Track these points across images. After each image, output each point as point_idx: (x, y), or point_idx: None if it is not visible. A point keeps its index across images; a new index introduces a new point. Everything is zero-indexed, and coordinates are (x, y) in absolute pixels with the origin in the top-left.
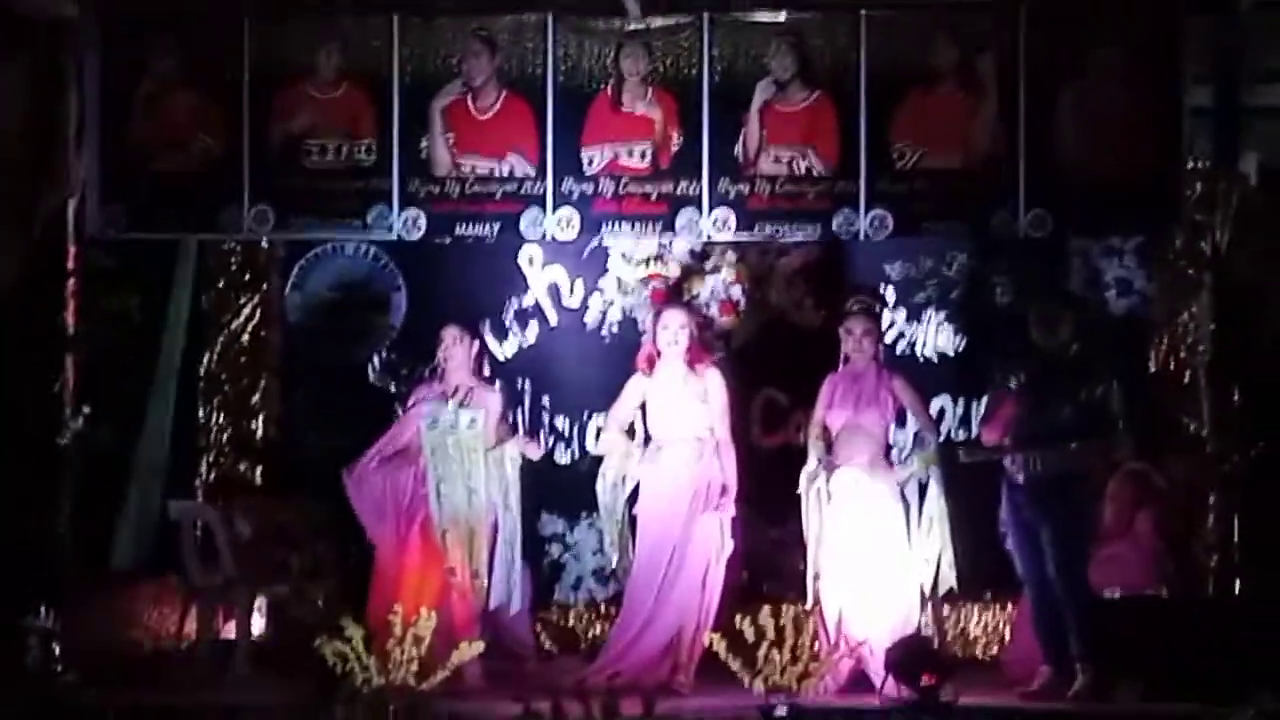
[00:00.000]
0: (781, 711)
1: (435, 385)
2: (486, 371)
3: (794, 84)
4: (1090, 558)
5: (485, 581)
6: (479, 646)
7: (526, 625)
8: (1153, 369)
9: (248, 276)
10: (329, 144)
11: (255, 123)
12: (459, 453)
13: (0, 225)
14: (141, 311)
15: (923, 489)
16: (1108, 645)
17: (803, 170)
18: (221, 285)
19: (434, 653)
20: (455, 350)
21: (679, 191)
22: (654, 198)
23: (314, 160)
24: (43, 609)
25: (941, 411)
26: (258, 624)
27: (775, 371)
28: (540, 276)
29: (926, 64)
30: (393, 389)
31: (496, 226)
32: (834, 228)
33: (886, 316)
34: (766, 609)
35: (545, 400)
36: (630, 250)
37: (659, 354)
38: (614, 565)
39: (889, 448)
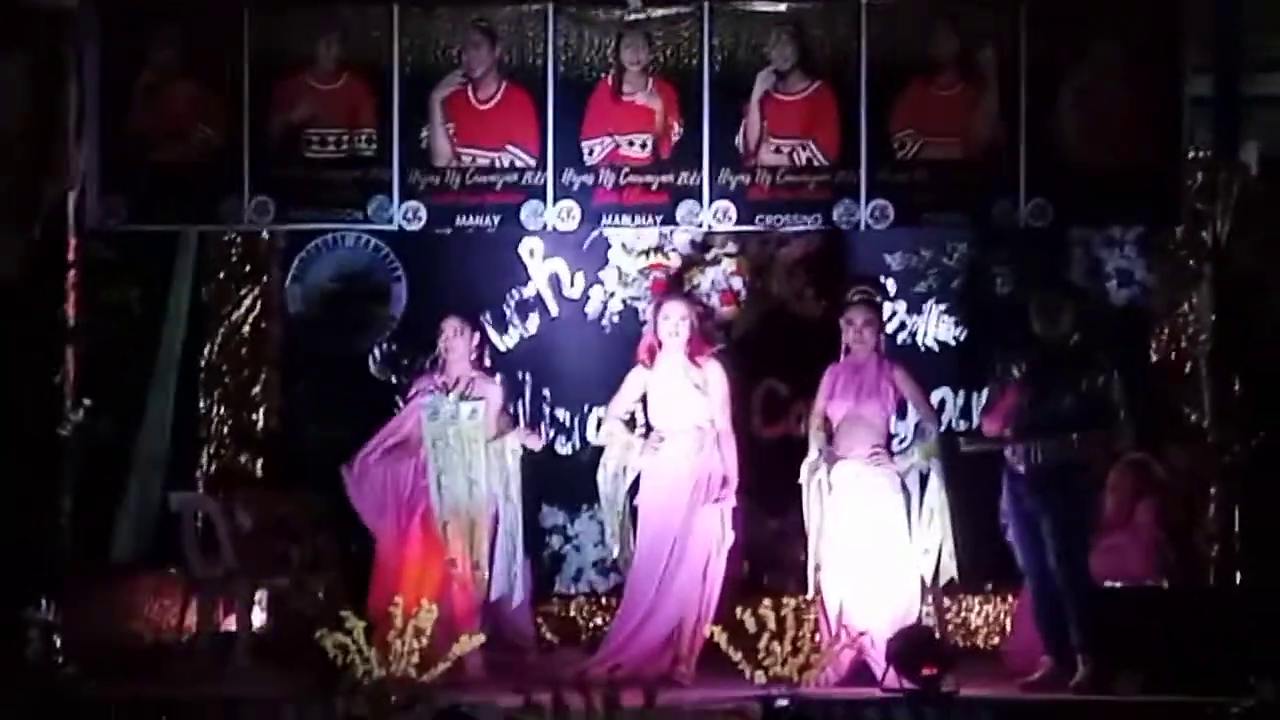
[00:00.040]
0: (783, 703)
1: (436, 377)
2: (487, 363)
3: (794, 74)
4: (1091, 548)
5: (486, 573)
6: (480, 638)
7: (527, 617)
8: (1153, 359)
9: (248, 268)
10: (329, 135)
11: (255, 114)
12: (460, 444)
13: (6, 209)
14: (142, 303)
15: (924, 480)
16: (1108, 636)
17: (803, 160)
18: (222, 277)
19: (435, 644)
20: (456, 342)
21: (679, 182)
22: (654, 188)
23: (314, 151)
24: (43, 601)
25: (942, 402)
26: (258, 616)
27: (776, 362)
28: (541, 268)
29: (927, 54)
30: (393, 380)
31: (497, 218)
32: (835, 218)
33: (887, 307)
34: (767, 600)
35: (546, 391)
36: (631, 241)
37: (660, 345)
38: (615, 557)
39: (890, 438)
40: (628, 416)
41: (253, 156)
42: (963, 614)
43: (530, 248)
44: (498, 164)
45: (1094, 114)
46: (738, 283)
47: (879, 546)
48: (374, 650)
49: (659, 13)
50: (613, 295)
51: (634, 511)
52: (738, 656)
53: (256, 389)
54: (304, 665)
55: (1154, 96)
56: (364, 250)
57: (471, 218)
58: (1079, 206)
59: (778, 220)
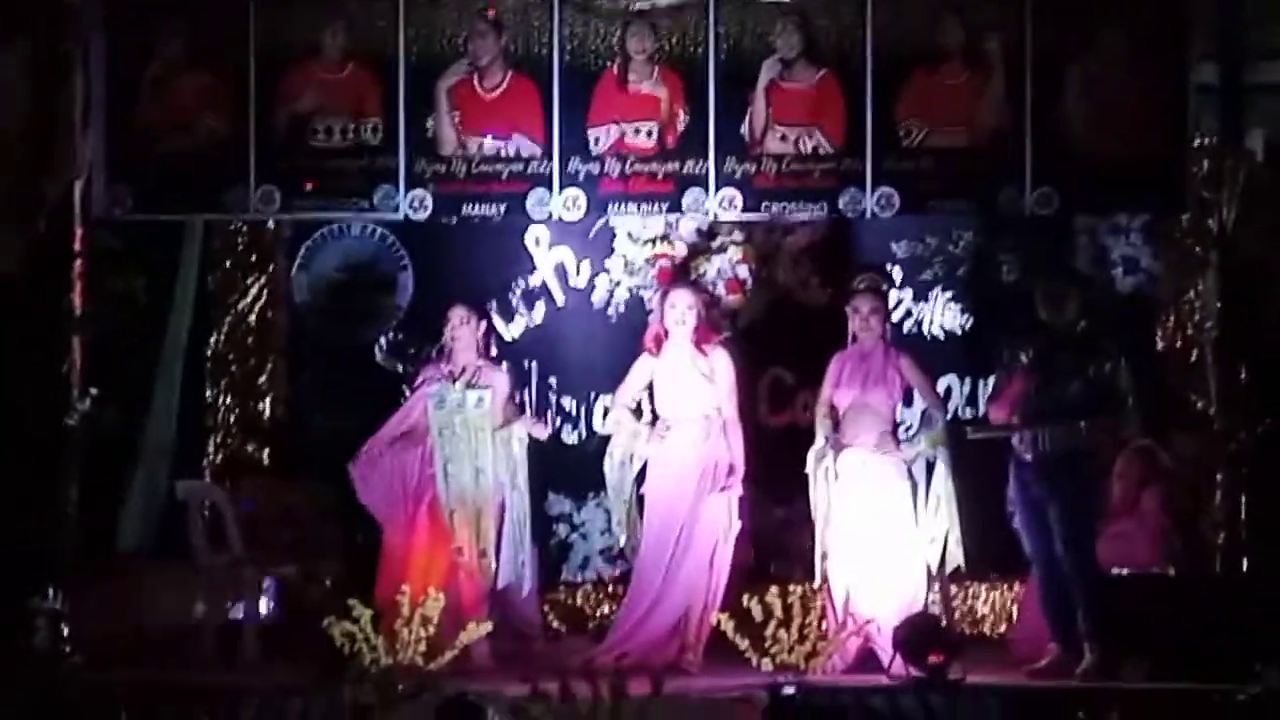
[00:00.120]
0: (789, 690)
1: (442, 365)
2: (493, 352)
3: (800, 63)
4: (1098, 535)
5: (493, 562)
6: (487, 627)
7: (534, 605)
8: (1159, 347)
9: (254, 257)
10: (335, 124)
11: (261, 103)
12: (466, 432)
13: (6, 208)
14: (148, 292)
15: (930, 468)
16: (1115, 623)
17: (809, 149)
18: (228, 266)
19: (442, 633)
20: (462, 330)
21: (685, 171)
22: (660, 177)
23: (320, 141)
24: (50, 590)
25: (948, 390)
26: (265, 605)
27: (782, 350)
28: (547, 257)
29: (933, 42)
30: (399, 369)
31: (503, 206)
32: (840, 206)
33: (893, 295)
34: (774, 588)
35: (552, 380)
36: (637, 230)
37: (666, 333)
38: (622, 545)
39: (896, 426)
40: (634, 405)
41: (259, 146)
42: (969, 601)
43: (536, 236)
44: (503, 153)
45: (1099, 102)
46: (744, 271)
47: (885, 534)
48: (381, 639)
49: (664, 1)
50: (619, 284)
51: (641, 500)
52: (745, 644)
53: (263, 378)
54: (311, 654)
55: (1159, 84)
56: (370, 239)
57: (477, 206)
58: (1085, 194)
59: (783, 208)
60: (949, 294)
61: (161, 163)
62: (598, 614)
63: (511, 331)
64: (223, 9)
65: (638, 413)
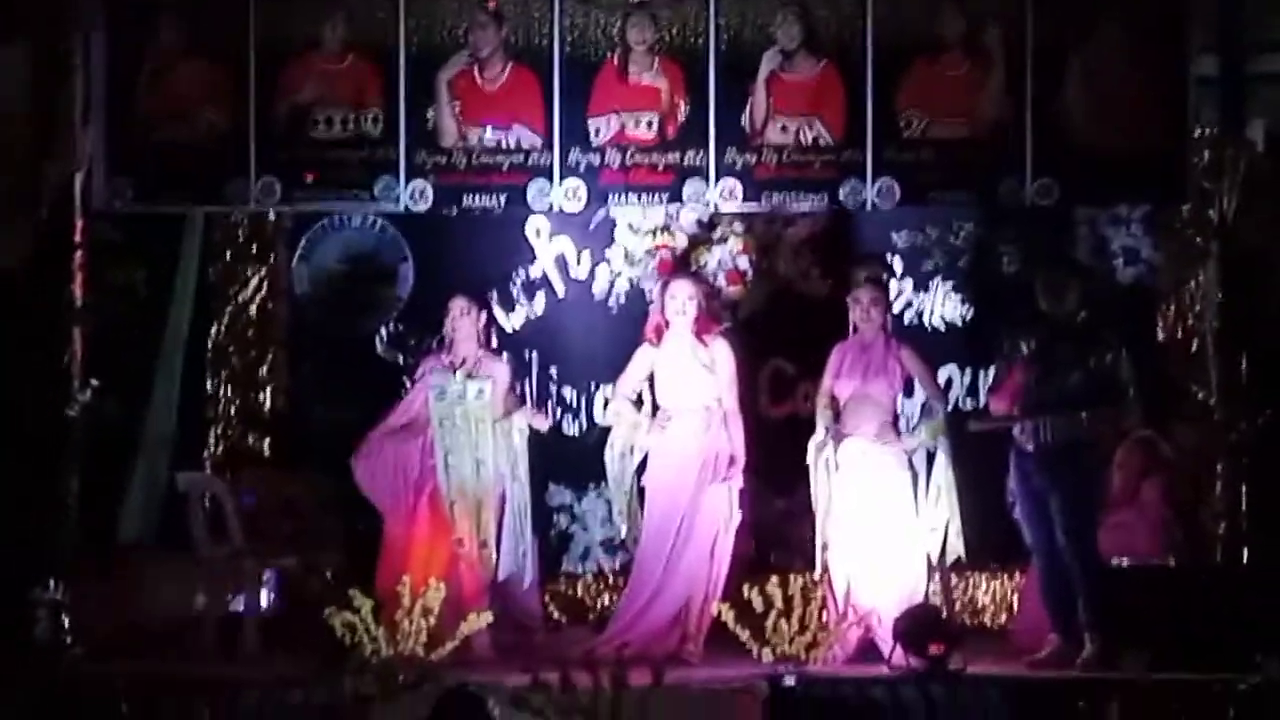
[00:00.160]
0: (790, 681)
1: (443, 357)
2: (494, 343)
3: (800, 54)
4: (1099, 526)
5: (494, 552)
6: (487, 617)
7: (535, 596)
8: (1160, 337)
9: (254, 249)
10: (335, 116)
11: (261, 95)
12: (467, 424)
13: (7, 200)
14: (148, 284)
15: (930, 458)
16: (1115, 614)
17: (809, 140)
18: (228, 257)
19: (442, 624)
20: (463, 322)
21: (686, 161)
22: (661, 168)
23: (320, 132)
24: (51, 582)
25: (949, 380)
26: (266, 596)
27: (783, 341)
28: (547, 247)
29: (933, 33)
30: (400, 361)
31: (503, 197)
32: (841, 197)
33: (894, 286)
34: (775, 579)
35: (553, 371)
36: (637, 221)
37: (667, 324)
38: (622, 536)
39: (897, 417)
40: (635, 396)
41: (259, 138)
42: (970, 592)
43: (537, 227)
44: (504, 144)
45: (1100, 93)
46: (744, 262)
47: (886, 525)
48: (382, 629)
49: None
50: (619, 275)
51: (641, 491)
52: (745, 635)
53: (263, 369)
54: (312, 645)
55: (1160, 75)
56: (370, 231)
57: (478, 198)
58: (1085, 185)
59: (784, 199)
60: (949, 285)
61: (162, 155)
62: (598, 605)
63: (512, 322)
64: (223, 1)
65: (638, 404)
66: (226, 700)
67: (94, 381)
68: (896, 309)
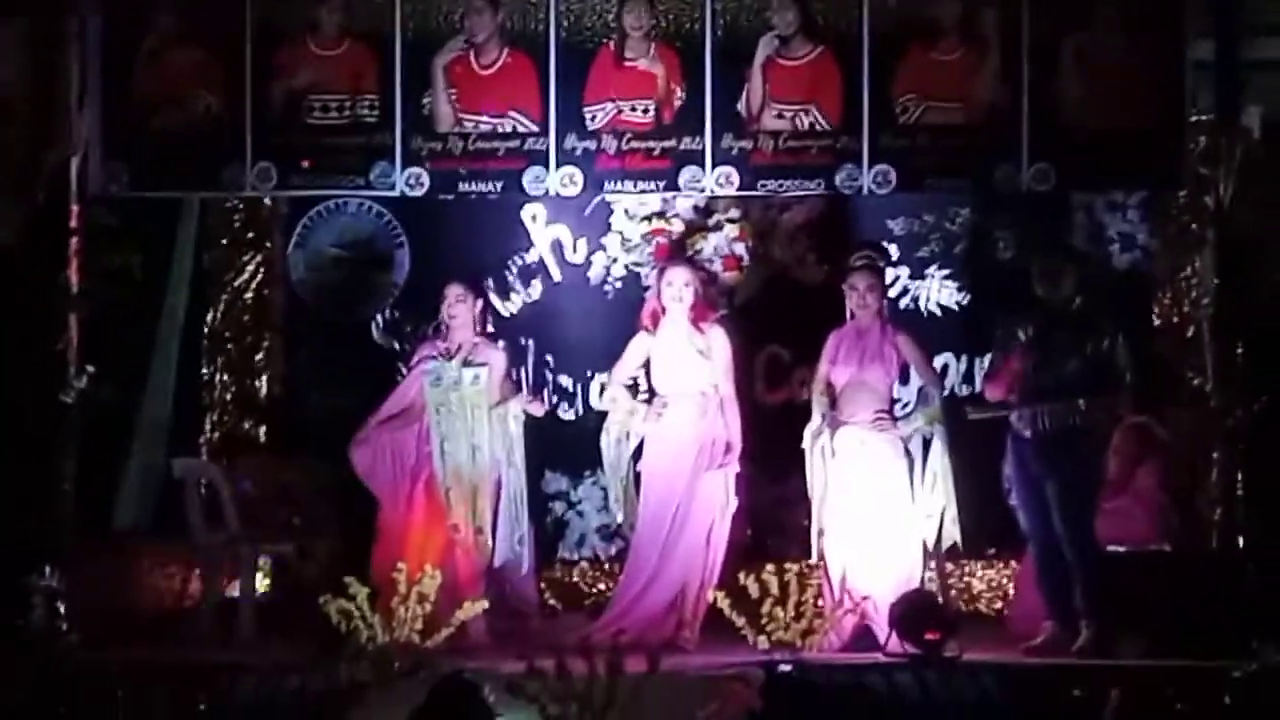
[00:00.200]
0: (785, 668)
1: (439, 343)
2: (490, 329)
3: (797, 39)
4: (1096, 512)
5: (489, 539)
6: (483, 604)
7: (531, 583)
8: (1156, 323)
9: (250, 234)
10: (331, 101)
11: (257, 80)
12: (462, 410)
13: (2, 184)
14: (144, 270)
15: (926, 445)
16: (1111, 600)
17: (806, 126)
18: (224, 243)
19: (438, 610)
20: (459, 308)
21: (682, 147)
22: (657, 154)
23: (316, 117)
24: (46, 569)
25: (945, 367)
26: (262, 582)
27: (779, 328)
28: (543, 233)
29: (929, 18)
30: (396, 347)
31: (499, 183)
32: (837, 183)
33: (890, 272)
34: (770, 566)
35: (549, 357)
36: (633, 207)
37: (663, 310)
38: (619, 522)
39: (893, 404)
40: (631, 382)
41: (255, 123)
42: (965, 579)
43: (533, 213)
44: (500, 130)
45: (1096, 78)
46: (740, 248)
47: (882, 511)
48: (377, 616)
49: None
50: (615, 261)
51: (637, 477)
52: (741, 622)
53: (259, 355)
54: (308, 632)
55: (1156, 61)
56: (367, 216)
57: (474, 183)
58: (1081, 171)
59: (780, 185)
60: (946, 271)
61: (158, 140)
62: (594, 591)
63: (508, 308)
64: None
65: (634, 390)
66: (223, 687)
67: (89, 368)
68: (892, 295)
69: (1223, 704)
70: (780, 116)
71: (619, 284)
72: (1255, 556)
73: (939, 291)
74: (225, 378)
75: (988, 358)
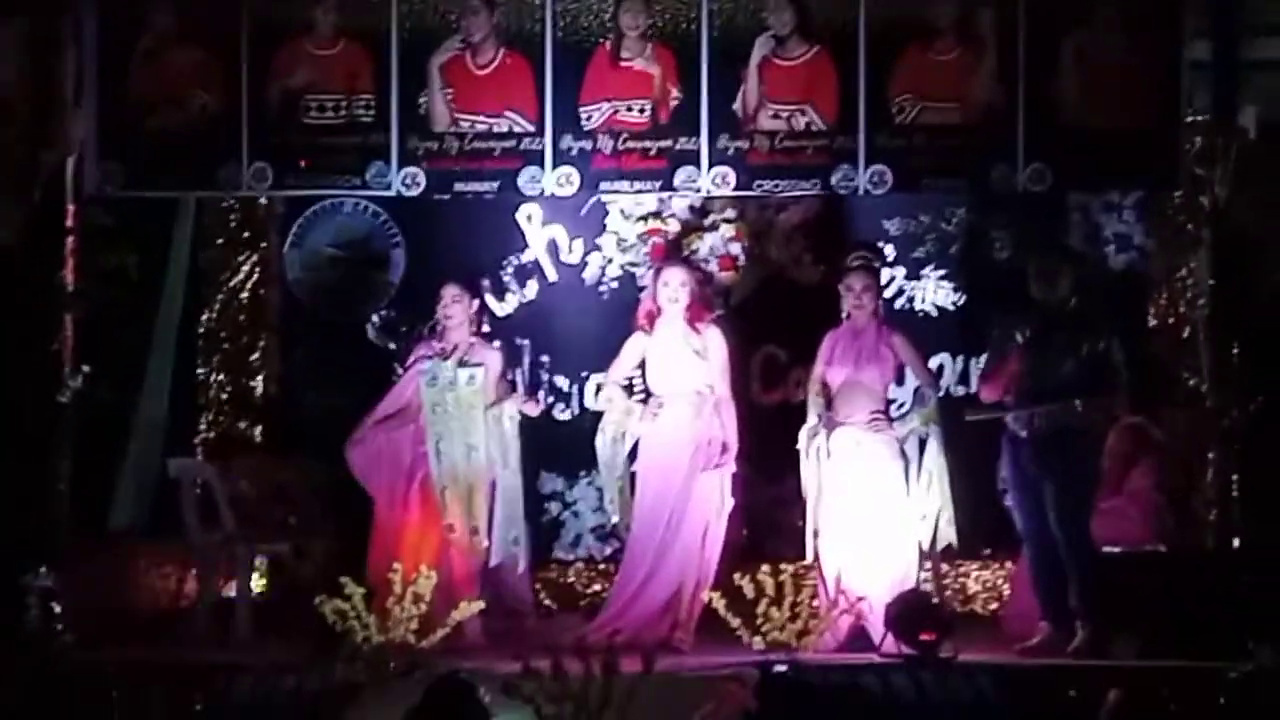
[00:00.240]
0: (781, 668)
1: (434, 343)
2: (486, 329)
3: (793, 39)
4: (1092, 513)
5: (485, 539)
6: (479, 604)
7: (526, 583)
8: (1152, 324)
9: (246, 234)
10: (327, 101)
11: (253, 79)
12: (458, 410)
13: (3, 179)
14: (140, 269)
15: (922, 445)
16: (1107, 601)
17: (802, 126)
18: (220, 243)
19: (434, 611)
20: (454, 308)
21: (678, 147)
22: (653, 154)
23: (312, 117)
24: (42, 568)
25: (940, 367)
26: (257, 582)
27: (775, 328)
28: (539, 233)
29: (926, 18)
30: (392, 347)
31: (495, 183)
32: (833, 183)
33: (886, 272)
34: (766, 566)
35: (545, 357)
36: (629, 207)
37: (659, 311)
38: (614, 523)
39: (889, 404)
40: (627, 382)
41: (251, 122)
42: (961, 579)
43: (529, 213)
44: (496, 130)
45: (1093, 78)
46: (736, 248)
47: (877, 512)
48: (373, 616)
49: None
50: (611, 261)
51: (633, 477)
52: (736, 622)
53: (255, 355)
54: (303, 632)
55: (1153, 61)
56: (363, 216)
57: (470, 183)
58: (1078, 171)
59: (776, 186)
60: (942, 271)
61: (154, 139)
62: (589, 592)
63: (504, 308)
64: None
65: (630, 390)
66: (218, 687)
67: (85, 367)
68: (888, 296)
69: (1218, 705)
70: (776, 116)
71: (615, 284)
72: (1250, 557)
73: (935, 292)
74: (221, 377)
75: (983, 358)
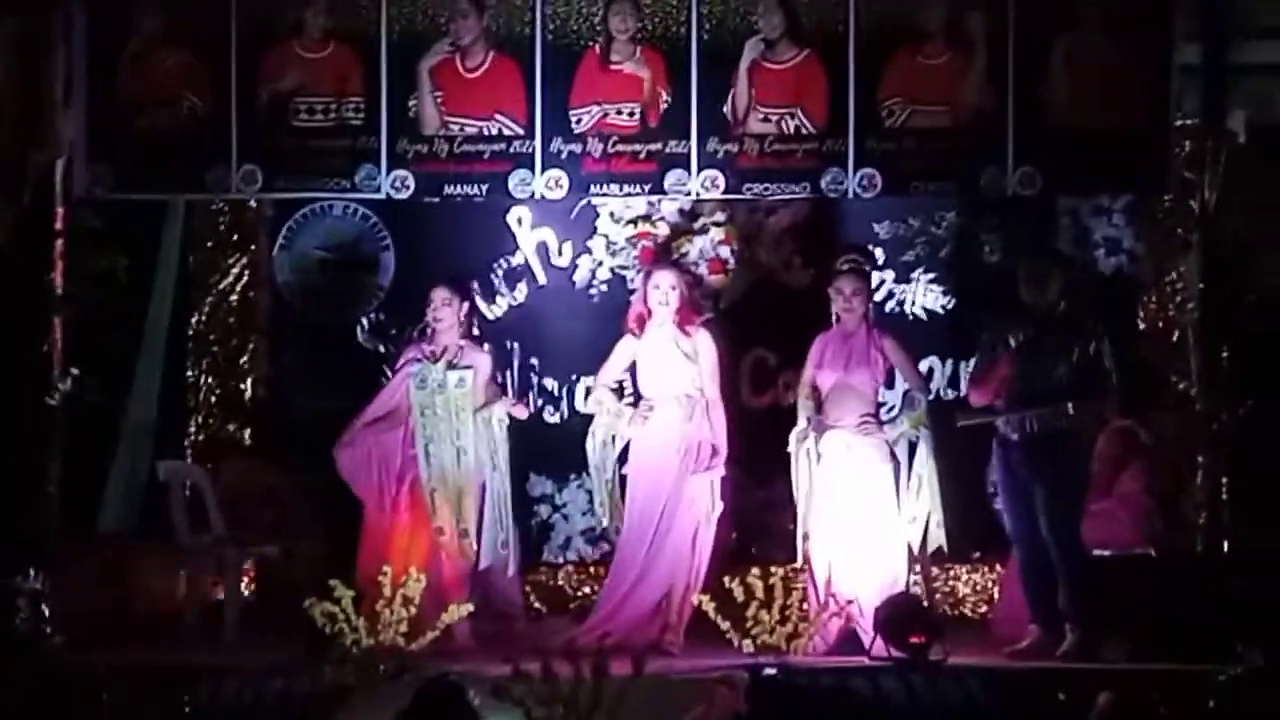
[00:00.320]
0: (771, 671)
1: (424, 346)
2: (476, 332)
3: (783, 42)
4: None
5: (474, 542)
6: (468, 608)
7: (516, 586)
8: (1141, 327)
9: (236, 237)
10: (317, 103)
11: (243, 82)
12: (448, 413)
13: None
14: (129, 272)
15: (912, 448)
16: (1096, 604)
17: (791, 129)
18: (209, 246)
19: (423, 614)
20: (444, 312)
21: (668, 151)
22: (643, 157)
23: (302, 120)
24: (31, 571)
25: (930, 371)
26: (246, 585)
27: (765, 331)
28: (529, 236)
29: (915, 22)
30: (381, 349)
31: (485, 186)
32: (823, 187)
33: (875, 276)
34: (755, 569)
35: (534, 360)
36: (619, 210)
37: (649, 314)
38: (604, 525)
39: (878, 407)
40: (616, 385)
41: (240, 125)
42: (950, 582)
43: (518, 216)
44: (486, 133)
45: (1082, 82)
46: (726, 252)
47: (867, 515)
48: (362, 619)
49: None
50: (601, 264)
51: (623, 480)
52: (726, 625)
53: (244, 358)
54: (292, 634)
55: (1143, 64)
56: (352, 219)
57: (460, 187)
58: (1067, 174)
59: (766, 189)
60: (931, 275)
61: (143, 142)
62: (579, 594)
63: (493, 311)
64: None
65: (620, 393)
66: (208, 689)
67: (74, 370)
68: (878, 299)
69: (1207, 708)
70: (766, 120)
71: (604, 287)
72: (1240, 560)
73: (924, 295)
74: (210, 380)
75: (973, 362)
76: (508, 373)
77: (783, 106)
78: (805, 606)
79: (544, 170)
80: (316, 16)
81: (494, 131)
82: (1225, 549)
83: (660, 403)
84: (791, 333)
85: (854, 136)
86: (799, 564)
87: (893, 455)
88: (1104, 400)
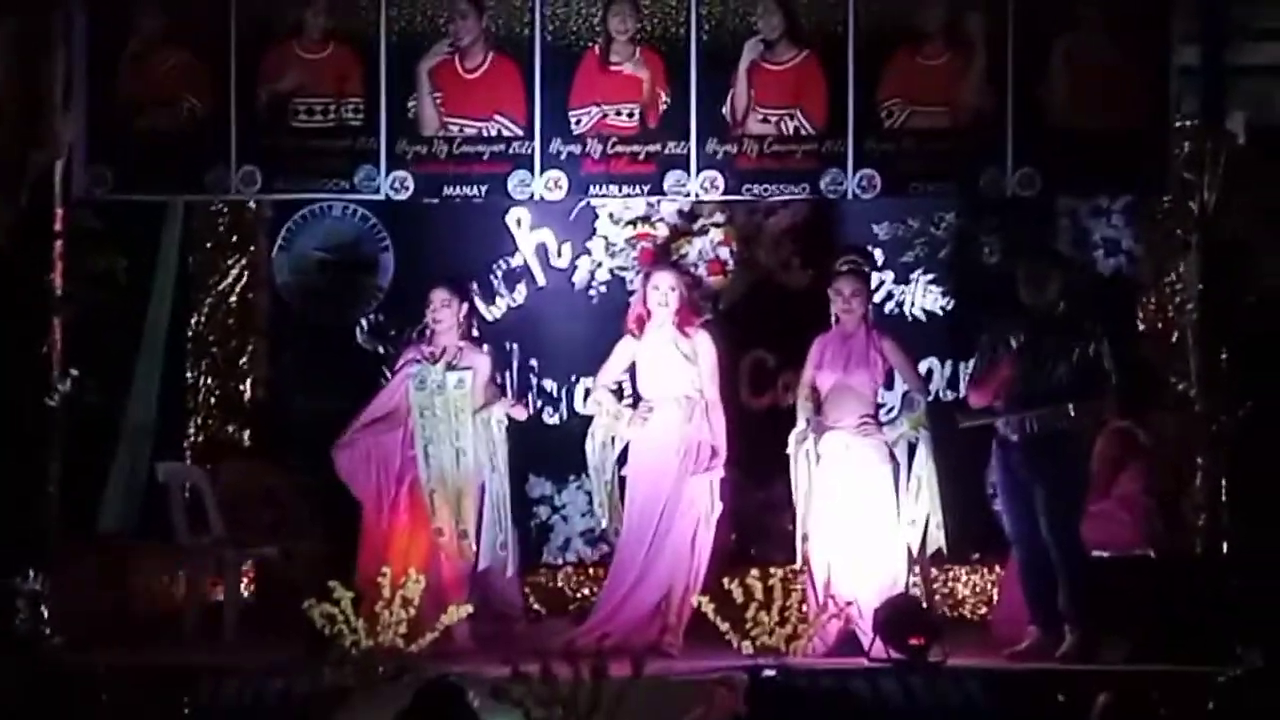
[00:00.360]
0: (770, 672)
1: (423, 347)
2: (475, 333)
3: (782, 43)
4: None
5: (474, 543)
6: (467, 609)
7: (515, 587)
8: (1141, 328)
9: (235, 238)
10: (316, 104)
11: (242, 83)
12: (447, 414)
13: None
14: (129, 273)
15: (911, 450)
16: (1095, 605)
17: (791, 130)
18: (209, 246)
19: (422, 615)
20: (444, 313)
21: (667, 152)
22: (642, 158)
23: (301, 121)
24: (30, 571)
25: (929, 372)
26: (246, 586)
27: (764, 332)
28: (528, 237)
29: (915, 22)
30: (381, 350)
31: (484, 187)
32: (822, 187)
33: (875, 277)
34: (755, 571)
35: (533, 361)
36: (618, 211)
37: (648, 315)
38: (603, 526)
39: (878, 409)
40: (616, 386)
41: (239, 126)
42: (950, 584)
43: (517, 217)
44: (485, 134)
45: (1082, 83)
46: (725, 253)
47: (866, 516)
48: (361, 621)
49: None
50: (600, 265)
51: (622, 481)
52: (725, 626)
53: (244, 359)
54: (292, 635)
55: (1142, 65)
56: (351, 220)
57: (459, 188)
58: (1066, 175)
59: (765, 190)
60: (930, 276)
61: (142, 142)
62: (578, 596)
63: (493, 312)
64: None
65: (619, 394)
66: (207, 690)
67: (74, 371)
68: (877, 300)
69: (1207, 709)
70: (765, 121)
71: (604, 288)
72: (1239, 561)
73: (924, 296)
74: (209, 381)
75: (972, 363)
76: (507, 374)
77: (782, 107)
78: (804, 608)
79: (543, 171)
80: (316, 17)
81: (493, 132)
82: (1225, 550)
83: (659, 404)
84: (791, 334)
85: (853, 137)
86: (798, 565)
87: (892, 456)
88: (1103, 401)
